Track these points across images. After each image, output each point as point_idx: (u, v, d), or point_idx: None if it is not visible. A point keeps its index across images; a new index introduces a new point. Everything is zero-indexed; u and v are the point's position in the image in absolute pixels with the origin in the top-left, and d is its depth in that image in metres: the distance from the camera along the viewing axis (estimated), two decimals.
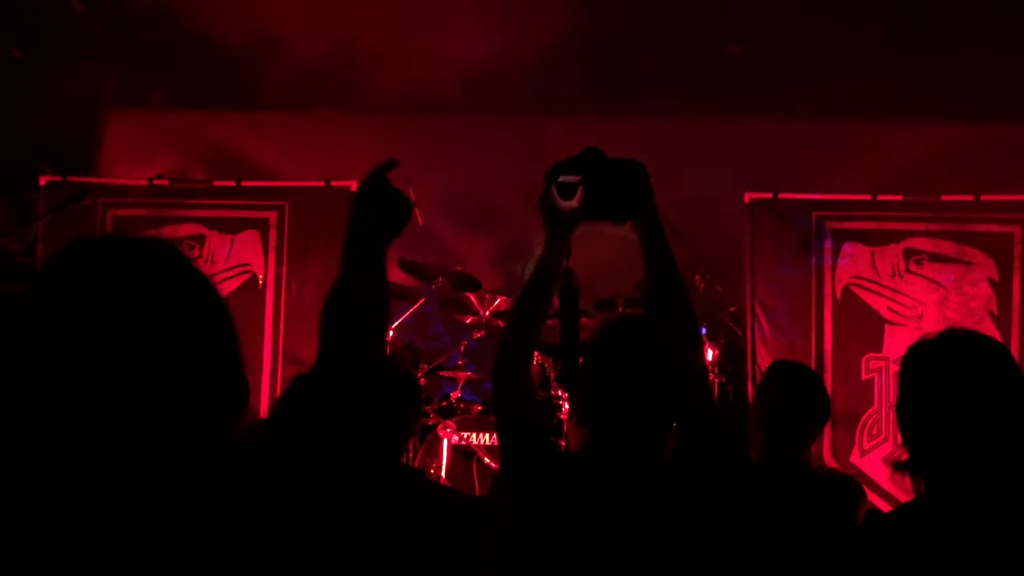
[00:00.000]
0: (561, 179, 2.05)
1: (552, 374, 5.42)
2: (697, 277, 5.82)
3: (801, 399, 3.27)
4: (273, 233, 6.03)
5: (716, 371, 5.74)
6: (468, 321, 6.03)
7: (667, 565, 1.96)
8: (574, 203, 2.04)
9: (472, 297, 6.08)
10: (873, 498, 5.41)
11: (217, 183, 6.19)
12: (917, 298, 5.67)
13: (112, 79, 6.82)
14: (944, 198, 5.72)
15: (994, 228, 5.63)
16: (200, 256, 6.04)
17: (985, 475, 1.77)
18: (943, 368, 1.88)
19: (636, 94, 6.11)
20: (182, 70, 6.67)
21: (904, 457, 1.92)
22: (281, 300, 5.96)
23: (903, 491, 5.54)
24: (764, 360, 5.70)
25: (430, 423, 5.52)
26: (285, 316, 5.95)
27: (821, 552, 2.65)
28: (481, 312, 5.98)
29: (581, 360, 2.17)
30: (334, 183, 6.06)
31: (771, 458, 3.16)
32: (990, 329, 5.26)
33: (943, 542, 1.74)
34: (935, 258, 5.67)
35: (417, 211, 5.93)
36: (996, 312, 5.53)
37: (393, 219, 1.87)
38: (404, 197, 1.91)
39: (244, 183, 6.15)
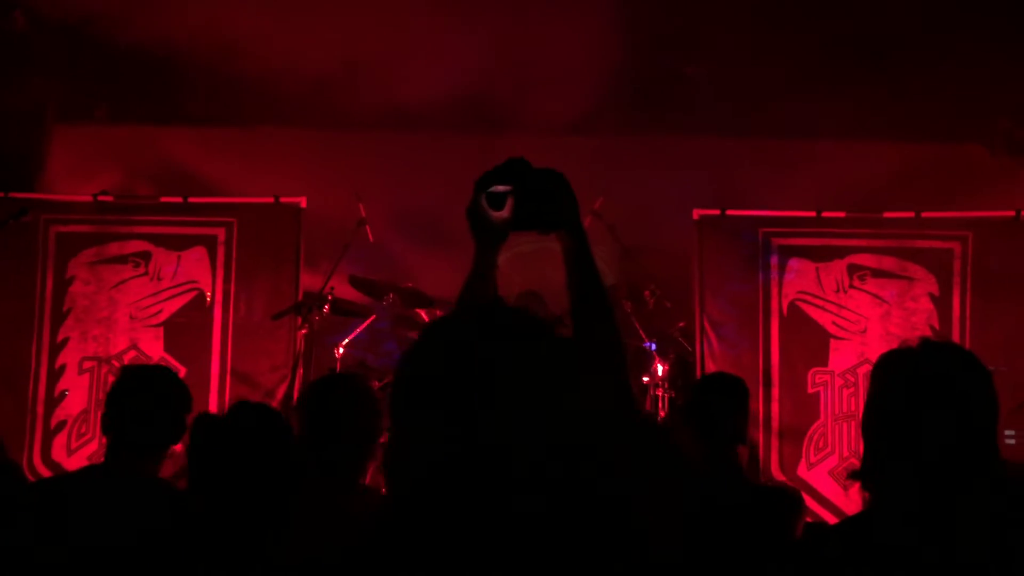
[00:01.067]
0: (491, 189, 2.05)
1: None
2: (647, 293, 5.87)
3: (734, 408, 3.31)
4: (221, 250, 5.96)
5: (666, 386, 5.78)
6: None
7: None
8: (504, 213, 2.04)
9: (423, 314, 6.06)
10: (820, 511, 5.49)
11: (164, 199, 6.11)
12: (861, 313, 5.77)
13: (56, 93, 6.71)
14: (886, 215, 5.84)
15: (935, 244, 5.76)
16: (146, 273, 5.96)
17: (940, 495, 1.77)
18: (918, 379, 1.85)
19: (587, 112, 6.15)
20: (128, 84, 6.58)
21: (857, 465, 1.89)
22: (229, 317, 5.89)
23: (850, 503, 5.62)
24: None
25: (382, 440, 5.48)
26: (233, 333, 5.88)
27: (755, 564, 2.67)
28: None
29: None
30: (283, 199, 6.01)
31: (710, 471, 3.19)
32: None
33: (880, 561, 1.73)
34: (878, 274, 5.78)
35: (368, 228, 5.92)
36: (937, 326, 5.64)
37: None
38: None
39: (191, 199, 6.08)
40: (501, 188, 2.02)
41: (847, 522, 2.00)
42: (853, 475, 1.88)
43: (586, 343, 1.99)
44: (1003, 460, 1.84)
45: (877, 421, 1.87)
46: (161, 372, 3.14)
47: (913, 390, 1.83)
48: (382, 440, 5.40)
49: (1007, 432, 5.54)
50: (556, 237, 2.06)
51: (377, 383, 5.69)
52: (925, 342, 1.89)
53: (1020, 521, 1.76)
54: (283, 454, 2.21)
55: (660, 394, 5.73)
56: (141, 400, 2.88)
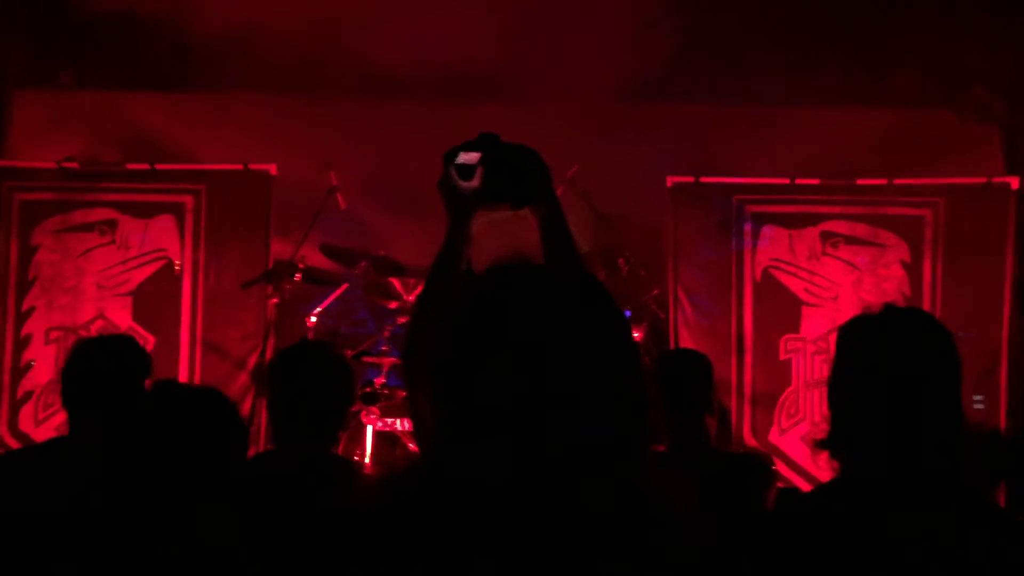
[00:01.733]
0: (460, 159, 2.04)
1: None
2: (620, 260, 5.86)
3: (696, 383, 3.34)
4: (190, 218, 5.89)
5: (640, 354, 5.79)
6: (392, 306, 5.97)
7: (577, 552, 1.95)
8: (474, 183, 2.01)
9: (396, 282, 6.02)
10: (792, 476, 5.55)
11: (130, 166, 6.01)
12: (833, 280, 5.80)
13: (18, 58, 6.55)
14: (859, 182, 5.85)
15: (907, 211, 5.79)
16: (113, 241, 5.87)
17: (910, 461, 1.77)
18: (882, 345, 1.84)
19: (559, 78, 6.09)
20: (93, 49, 6.44)
21: (822, 435, 1.88)
22: (199, 286, 5.83)
23: (821, 469, 5.68)
24: (687, 342, 5.78)
25: (354, 409, 5.46)
26: (203, 302, 5.82)
27: (725, 532, 2.68)
28: (405, 297, 5.92)
29: None
30: (252, 166, 5.94)
31: (677, 446, 3.22)
32: None
33: (854, 530, 1.73)
34: (850, 240, 5.81)
35: (339, 195, 5.85)
36: (908, 293, 5.68)
37: None
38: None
39: (159, 166, 5.98)
40: (469, 157, 2.01)
41: (818, 491, 2.00)
42: (820, 444, 1.88)
43: None
44: (968, 423, 1.84)
45: (841, 389, 1.86)
46: (114, 341, 3.12)
47: (876, 356, 1.82)
48: (353, 409, 5.39)
49: (976, 397, 5.61)
50: (530, 211, 2.05)
51: (350, 352, 5.66)
52: (887, 307, 1.88)
53: (983, 488, 1.78)
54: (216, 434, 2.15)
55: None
56: (97, 371, 2.84)
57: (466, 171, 2.02)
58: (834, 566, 1.70)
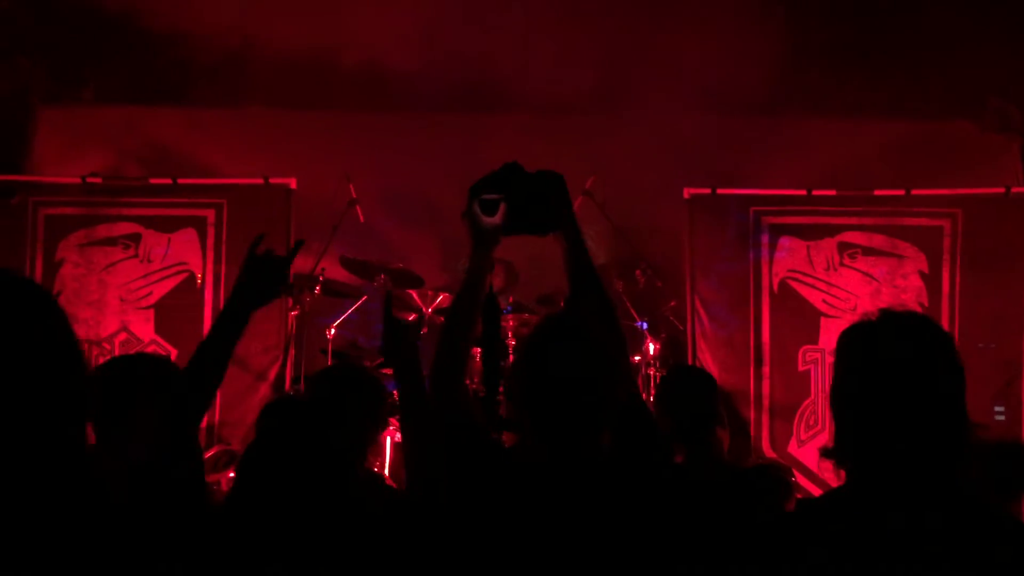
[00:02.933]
0: (483, 196, 2.13)
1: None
2: (638, 272, 5.87)
3: (693, 402, 3.36)
4: (211, 231, 5.95)
5: (658, 365, 5.79)
6: (411, 318, 6.00)
7: (601, 561, 1.98)
8: (496, 219, 2.12)
9: (415, 294, 6.06)
10: (811, 488, 5.52)
11: (153, 181, 6.08)
12: (851, 291, 5.79)
13: (42, 75, 6.65)
14: (876, 192, 5.85)
15: (924, 222, 5.78)
16: (136, 255, 5.94)
17: (912, 466, 1.76)
18: (883, 352, 1.83)
19: (578, 91, 6.13)
20: (115, 65, 6.53)
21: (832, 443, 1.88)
22: (220, 299, 5.88)
23: (841, 481, 5.66)
24: (704, 353, 5.78)
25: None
26: None
27: (734, 544, 2.69)
28: (424, 309, 5.96)
29: (513, 358, 2.25)
30: (273, 180, 6.00)
31: (691, 459, 3.24)
32: None
33: (858, 537, 1.73)
34: (868, 251, 5.80)
35: (358, 208, 5.90)
36: (926, 303, 5.67)
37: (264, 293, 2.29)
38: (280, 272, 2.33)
39: (181, 180, 6.05)
40: (493, 196, 2.09)
41: (823, 498, 2.01)
42: (826, 453, 1.87)
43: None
44: (971, 425, 1.83)
45: (842, 396, 1.86)
46: (145, 359, 3.14)
47: (875, 364, 1.82)
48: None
49: (996, 408, 5.58)
50: (553, 239, 2.15)
51: (368, 364, 5.69)
52: (884, 314, 1.87)
53: (1003, 499, 1.76)
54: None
55: (652, 373, 5.75)
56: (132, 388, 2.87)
57: (489, 207, 2.11)
58: (839, 572, 1.71)
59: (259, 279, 2.31)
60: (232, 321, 2.21)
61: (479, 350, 5.48)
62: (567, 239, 2.18)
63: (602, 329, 2.15)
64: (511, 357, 5.19)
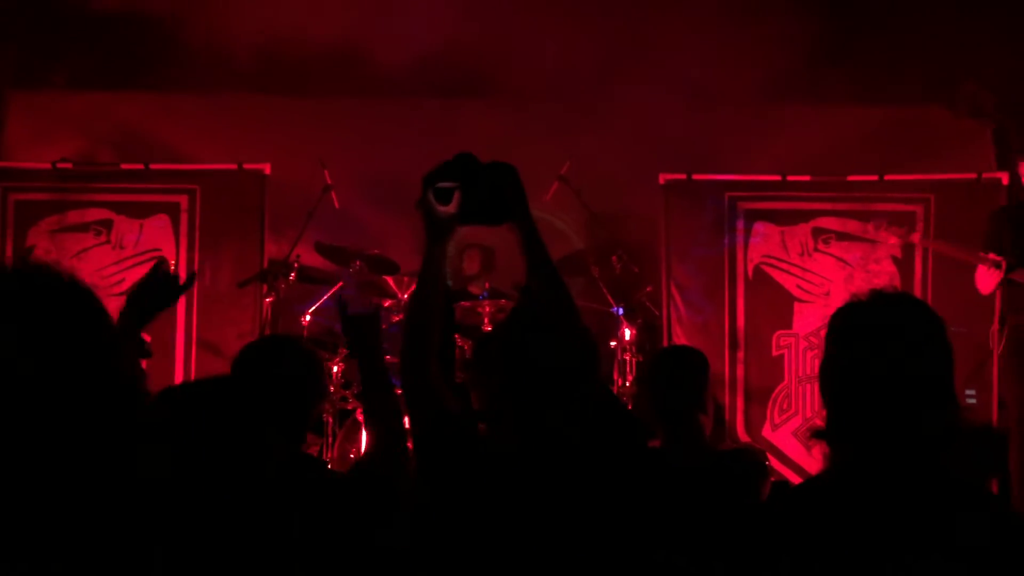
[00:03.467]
0: (438, 185, 2.13)
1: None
2: (614, 258, 5.88)
3: (690, 382, 3.34)
4: (184, 217, 5.90)
5: (634, 351, 5.81)
6: (387, 304, 5.99)
7: (579, 545, 1.98)
8: (451, 208, 2.12)
9: (390, 280, 6.04)
10: (785, 471, 5.58)
11: (125, 166, 6.02)
12: (825, 276, 5.83)
13: (12, 59, 6.56)
14: (850, 178, 5.88)
15: (898, 207, 5.82)
16: (108, 242, 5.88)
17: (903, 449, 1.77)
18: (875, 331, 1.82)
19: (552, 77, 6.11)
20: (87, 49, 6.44)
21: (821, 424, 1.85)
22: (194, 286, 5.83)
23: (814, 463, 5.72)
24: (680, 339, 5.81)
25: (349, 407, 5.48)
26: (199, 302, 5.84)
27: (718, 527, 2.71)
28: (400, 295, 5.95)
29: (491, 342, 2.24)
30: (247, 166, 5.95)
31: (672, 443, 3.24)
32: None
33: (849, 522, 1.73)
34: (842, 236, 5.84)
35: (333, 194, 5.87)
36: (899, 288, 5.71)
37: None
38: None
39: (153, 166, 5.99)
40: (447, 184, 2.10)
41: (810, 482, 2.02)
42: (817, 434, 1.87)
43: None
44: (960, 409, 1.83)
45: (833, 378, 1.85)
46: None
47: (866, 343, 1.81)
48: (348, 407, 5.40)
49: (968, 392, 5.64)
50: (508, 227, 2.16)
51: (344, 350, 5.68)
52: (875, 294, 1.87)
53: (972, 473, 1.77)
54: None
55: (628, 358, 5.76)
56: None
57: (444, 195, 2.11)
58: (827, 556, 1.71)
59: (150, 294, 2.55)
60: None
61: (467, 342, 5.50)
62: (521, 229, 2.19)
63: (554, 319, 2.17)
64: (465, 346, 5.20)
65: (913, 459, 1.75)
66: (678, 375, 3.35)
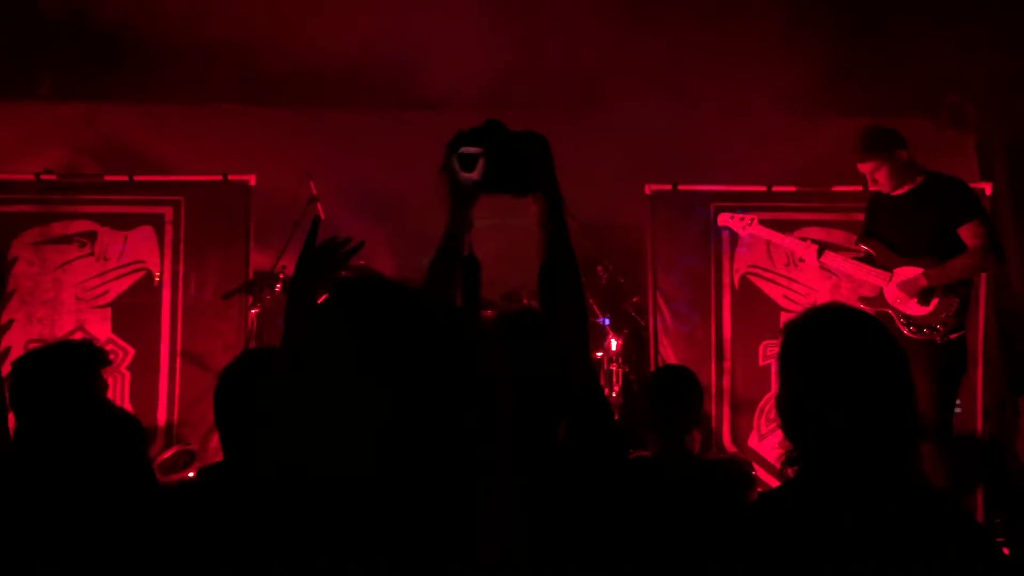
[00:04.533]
0: (462, 150, 2.05)
1: None
2: (600, 268, 5.89)
3: (686, 402, 3.42)
4: (169, 229, 5.88)
5: (620, 361, 5.81)
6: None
7: (552, 553, 1.97)
8: (475, 175, 2.03)
9: None
10: (772, 481, 5.57)
11: (108, 177, 5.99)
12: (811, 286, 5.85)
13: None
14: (835, 188, 5.90)
15: None
16: (92, 253, 5.85)
17: (859, 456, 1.77)
18: (826, 343, 1.84)
19: (537, 87, 6.13)
20: (71, 60, 6.42)
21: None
22: (179, 297, 5.81)
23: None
24: (666, 349, 5.81)
25: None
26: (183, 313, 5.81)
27: (703, 537, 2.72)
28: None
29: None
30: (232, 177, 5.93)
31: (664, 454, 3.28)
32: (880, 316, 5.45)
33: (805, 531, 1.73)
34: (828, 247, 5.85)
35: (319, 205, 5.86)
36: None
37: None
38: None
39: (137, 177, 5.97)
40: (471, 150, 2.02)
41: (778, 490, 2.01)
42: (787, 458, 1.87)
43: (548, 308, 2.08)
44: (918, 415, 1.83)
45: (786, 389, 1.87)
46: (62, 347, 3.12)
47: (812, 358, 1.83)
48: None
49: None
50: (531, 200, 2.08)
51: None
52: (825, 306, 1.90)
53: (960, 490, 1.78)
54: None
55: (615, 369, 5.77)
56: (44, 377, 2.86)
57: (468, 161, 2.03)
58: (792, 563, 1.71)
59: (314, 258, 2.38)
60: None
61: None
62: (547, 200, 2.09)
63: (569, 305, 2.11)
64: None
65: (871, 467, 1.75)
66: (673, 394, 3.42)
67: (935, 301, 4.66)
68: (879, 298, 4.85)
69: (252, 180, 5.92)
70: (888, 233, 4.87)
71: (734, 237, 5.88)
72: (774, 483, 5.58)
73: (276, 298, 5.70)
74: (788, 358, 1.87)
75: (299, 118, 6.53)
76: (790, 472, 1.85)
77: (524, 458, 2.02)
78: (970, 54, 5.94)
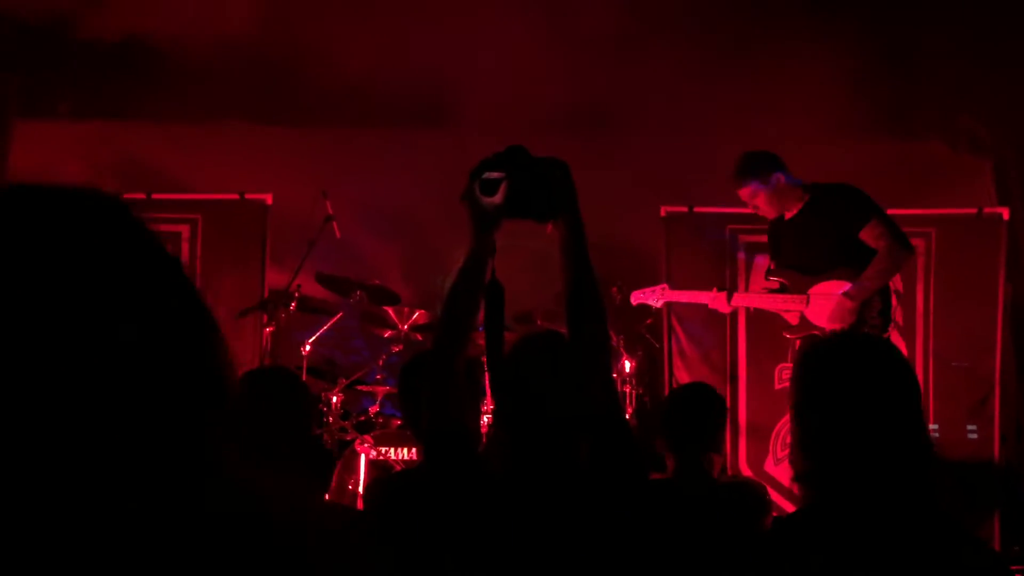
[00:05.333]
0: (485, 176, 2.06)
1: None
2: (614, 289, 5.88)
3: (706, 420, 3.35)
4: (186, 247, 5.91)
5: (634, 383, 5.79)
6: (387, 335, 5.98)
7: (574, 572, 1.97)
8: (497, 199, 2.04)
9: (391, 311, 6.04)
10: (787, 506, 5.53)
11: (127, 196, 6.01)
12: None
13: (16, 89, 6.61)
14: None
15: None
16: None
17: (876, 483, 1.77)
18: (842, 371, 1.86)
19: (552, 109, 6.15)
20: (90, 80, 6.50)
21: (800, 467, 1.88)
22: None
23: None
24: (681, 371, 5.79)
25: (348, 438, 5.45)
26: None
27: (718, 560, 2.70)
28: (400, 326, 5.94)
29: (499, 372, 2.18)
30: (248, 196, 5.97)
31: (681, 475, 3.24)
32: (895, 339, 5.42)
33: (820, 557, 1.73)
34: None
35: (335, 224, 5.88)
36: (901, 322, 5.70)
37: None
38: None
39: (155, 196, 6.00)
40: (494, 175, 2.04)
41: (791, 518, 2.01)
42: (795, 477, 1.88)
43: (574, 334, 2.11)
44: (931, 445, 1.84)
45: (798, 418, 1.88)
46: None
47: (825, 384, 1.85)
48: (347, 438, 5.36)
49: (969, 427, 5.62)
50: (553, 225, 2.09)
51: (344, 380, 5.67)
52: (838, 335, 1.91)
53: (977, 516, 1.78)
54: None
55: (628, 391, 5.75)
56: None
57: (490, 187, 2.04)
58: None
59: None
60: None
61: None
62: (568, 226, 2.11)
63: (591, 331, 2.12)
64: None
65: (886, 492, 1.76)
66: (692, 412, 3.37)
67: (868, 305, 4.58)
68: (803, 323, 4.77)
69: (268, 199, 5.96)
70: (793, 258, 4.79)
71: (749, 259, 5.87)
72: (789, 508, 5.54)
73: (291, 316, 5.71)
74: (801, 384, 1.88)
75: (315, 137, 6.57)
76: (799, 491, 1.85)
77: (547, 479, 2.03)
78: (985, 78, 5.94)
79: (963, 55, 5.87)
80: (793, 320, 4.86)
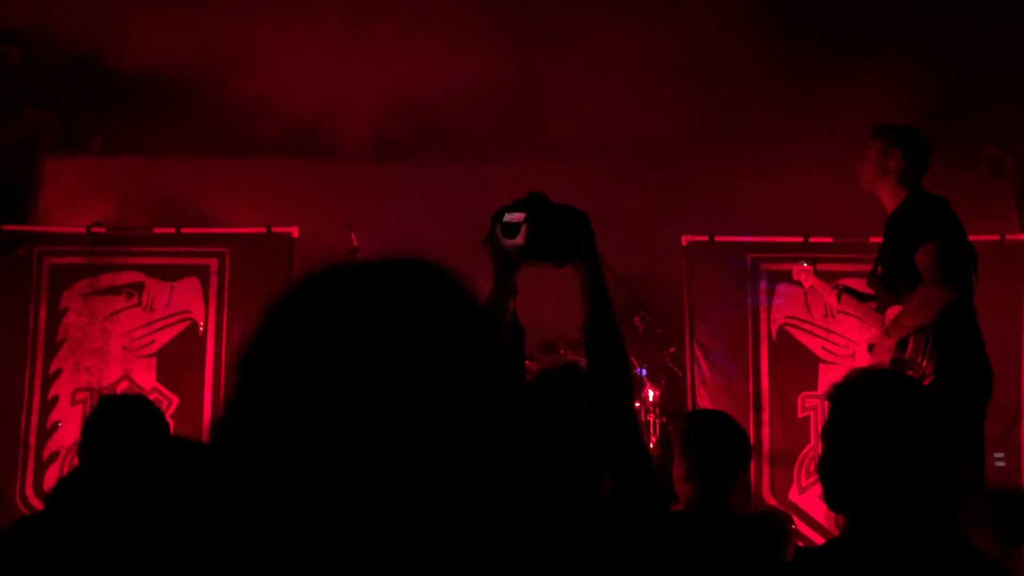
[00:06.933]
0: (506, 218, 2.13)
1: None
2: (637, 319, 5.91)
3: (727, 449, 3.32)
4: (214, 280, 6.00)
5: (657, 412, 5.80)
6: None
7: None
8: (518, 241, 2.11)
9: None
10: (812, 535, 5.51)
11: (157, 230, 6.15)
12: (850, 337, 5.81)
13: (50, 125, 6.75)
14: (872, 240, 5.88)
15: None
16: (139, 304, 5.98)
17: (905, 517, 1.81)
18: (872, 407, 1.91)
19: (574, 139, 6.21)
20: (121, 116, 6.62)
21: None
22: (222, 347, 5.91)
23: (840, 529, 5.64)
24: (704, 400, 5.79)
25: None
26: (226, 363, 5.90)
27: None
28: None
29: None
30: (275, 229, 6.06)
31: (700, 506, 3.22)
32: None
33: None
34: (865, 298, 5.82)
35: (360, 257, 5.95)
36: None
37: None
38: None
39: (184, 230, 6.11)
40: (515, 216, 2.11)
41: (821, 549, 2.05)
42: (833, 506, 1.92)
43: (601, 361, 2.16)
44: (957, 475, 1.88)
45: (827, 451, 1.95)
46: (134, 401, 3.17)
47: (850, 421, 1.92)
48: None
49: (996, 455, 5.58)
50: (573, 268, 2.17)
51: None
52: (865, 372, 2.02)
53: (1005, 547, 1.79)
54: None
55: (652, 420, 5.75)
56: (113, 429, 2.90)
57: (511, 230, 2.12)
58: None
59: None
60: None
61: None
62: (587, 269, 2.18)
63: (612, 372, 2.17)
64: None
65: (917, 529, 1.79)
66: (707, 439, 3.34)
67: (910, 342, 4.12)
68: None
69: (295, 232, 6.04)
70: (884, 266, 4.41)
71: (772, 288, 5.88)
72: (816, 537, 5.51)
73: None
74: (834, 423, 1.93)
75: (342, 171, 6.66)
76: (832, 523, 1.90)
77: (570, 513, 2.06)
78: (1008, 106, 5.95)
79: (985, 80, 5.88)
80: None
